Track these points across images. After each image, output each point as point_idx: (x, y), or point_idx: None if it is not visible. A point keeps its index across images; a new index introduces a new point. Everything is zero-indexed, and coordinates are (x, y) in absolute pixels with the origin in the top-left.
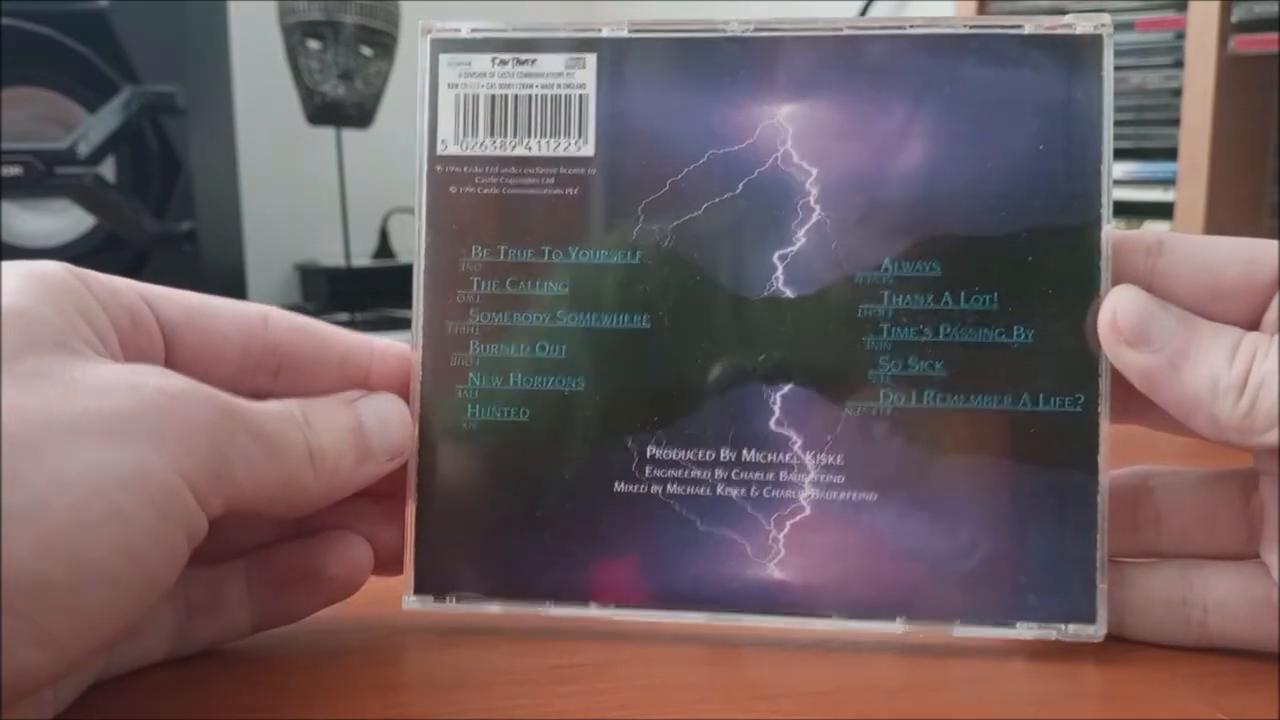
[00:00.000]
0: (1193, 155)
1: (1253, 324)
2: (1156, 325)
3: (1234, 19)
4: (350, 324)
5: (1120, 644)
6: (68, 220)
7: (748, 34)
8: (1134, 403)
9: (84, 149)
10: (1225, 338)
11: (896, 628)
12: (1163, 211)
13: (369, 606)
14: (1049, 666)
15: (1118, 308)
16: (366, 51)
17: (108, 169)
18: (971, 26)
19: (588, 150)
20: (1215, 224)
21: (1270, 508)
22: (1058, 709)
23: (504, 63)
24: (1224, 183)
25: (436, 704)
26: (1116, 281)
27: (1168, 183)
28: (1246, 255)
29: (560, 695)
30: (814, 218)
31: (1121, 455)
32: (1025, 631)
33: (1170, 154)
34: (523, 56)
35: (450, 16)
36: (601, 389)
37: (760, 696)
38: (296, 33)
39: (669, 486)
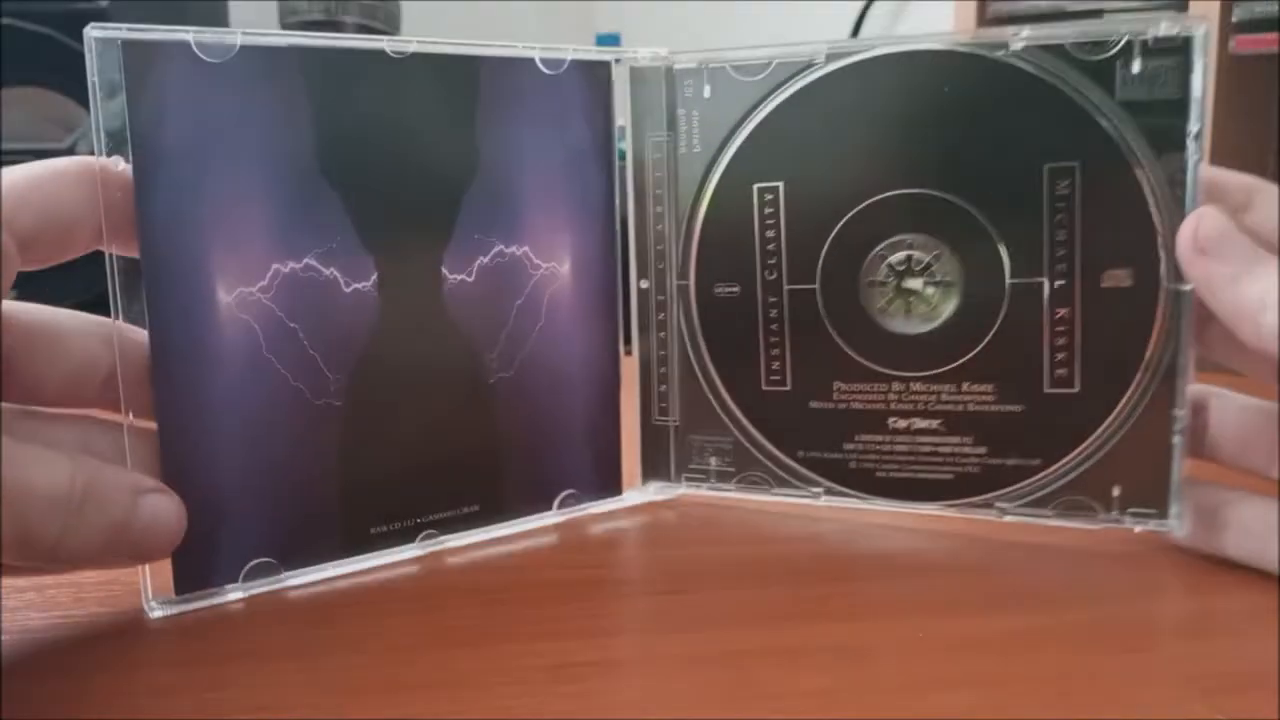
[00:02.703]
0: None
1: None
2: (1230, 242)
3: (1234, 19)
4: None
5: (1121, 643)
6: None
7: None
8: (1204, 338)
9: (84, 149)
10: None
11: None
12: None
13: (366, 606)
14: (1049, 665)
15: (1201, 222)
16: None
17: None
18: None
19: None
20: None
21: None
22: (1057, 709)
23: None
24: None
25: (437, 704)
26: None
27: None
28: None
29: (560, 695)
30: None
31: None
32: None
33: None
34: None
35: (450, 18)
36: None
37: (760, 696)
38: None
39: None
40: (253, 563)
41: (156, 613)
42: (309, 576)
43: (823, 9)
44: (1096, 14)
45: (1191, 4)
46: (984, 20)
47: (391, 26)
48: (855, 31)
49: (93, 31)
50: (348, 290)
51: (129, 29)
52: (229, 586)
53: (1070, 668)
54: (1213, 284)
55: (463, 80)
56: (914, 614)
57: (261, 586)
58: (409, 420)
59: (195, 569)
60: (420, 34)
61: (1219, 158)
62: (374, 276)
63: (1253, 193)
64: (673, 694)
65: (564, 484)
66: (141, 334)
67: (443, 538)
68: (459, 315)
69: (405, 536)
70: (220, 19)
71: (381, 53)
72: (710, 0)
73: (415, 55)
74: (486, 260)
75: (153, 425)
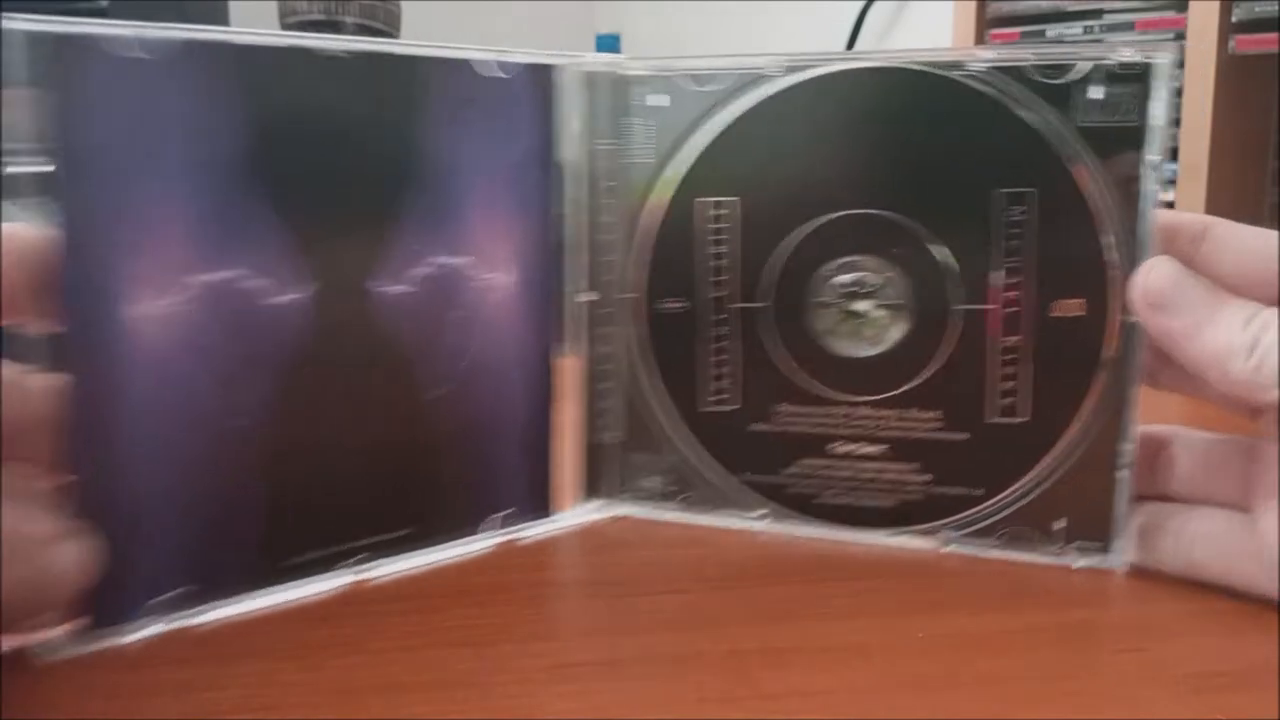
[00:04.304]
0: (1192, 155)
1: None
2: (1184, 295)
3: (1234, 19)
4: None
5: (1122, 642)
6: None
7: None
8: (1166, 372)
9: None
10: (1244, 309)
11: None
12: None
13: (366, 607)
14: (1048, 665)
15: (1150, 278)
16: None
17: None
18: None
19: None
20: None
21: (1270, 468)
22: (1057, 709)
23: None
24: (1223, 183)
25: (437, 704)
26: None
27: (1168, 183)
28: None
29: (560, 695)
30: None
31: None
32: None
33: (1170, 154)
34: None
35: (450, 18)
36: None
37: (760, 696)
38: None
39: None
40: (171, 594)
41: (51, 656)
42: (232, 609)
43: (823, 9)
44: (1096, 14)
45: (1191, 4)
46: (984, 21)
47: (392, 27)
48: (855, 31)
49: (5, 22)
50: (276, 301)
51: (47, 21)
52: (145, 620)
53: (1070, 667)
54: (1173, 339)
55: (405, 82)
56: (910, 614)
57: (181, 620)
58: (339, 440)
59: (109, 601)
60: (420, 34)
61: (1219, 157)
62: (305, 287)
63: (1207, 226)
64: (673, 694)
65: (502, 503)
66: (49, 381)
67: (374, 563)
68: (395, 328)
69: (334, 562)
70: (220, 18)
71: (319, 51)
72: (710, 0)
73: (355, 55)
74: (426, 270)
75: (64, 477)
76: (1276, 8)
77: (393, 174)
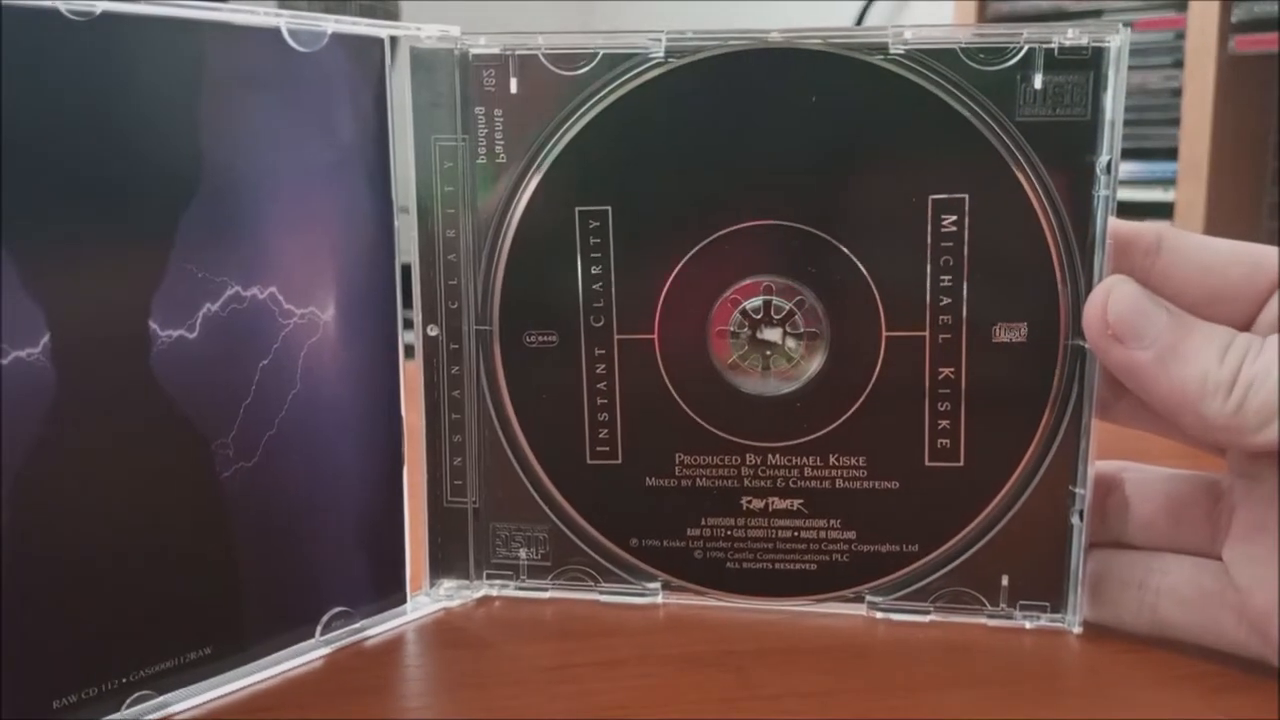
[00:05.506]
0: (1192, 155)
1: (1245, 327)
2: (1147, 321)
3: (1234, 19)
4: None
5: (1120, 643)
6: None
7: None
8: (1122, 403)
9: None
10: (1217, 336)
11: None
12: (1163, 212)
13: None
14: (1047, 666)
15: (1109, 302)
16: None
17: None
18: None
19: None
20: (1215, 224)
21: (1240, 510)
22: (1056, 709)
23: None
24: (1223, 183)
25: (436, 704)
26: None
27: (1167, 183)
28: (1248, 259)
29: (560, 695)
30: None
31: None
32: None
33: (1170, 154)
34: None
35: (450, 17)
36: None
37: (760, 696)
38: None
39: None
40: None
41: None
42: None
43: (824, 9)
44: (1096, 14)
45: (1191, 4)
46: (984, 20)
47: None
48: None
49: None
50: (3, 361)
51: None
52: None
53: (1070, 667)
54: (1137, 373)
55: (180, 57)
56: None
57: None
58: (105, 540)
59: None
60: None
61: (1219, 157)
62: (44, 339)
63: (1161, 236)
64: (673, 694)
65: (331, 600)
66: None
67: (163, 698)
68: (177, 387)
69: (107, 704)
70: None
71: (55, 13)
72: (712, 1)
73: (108, 18)
74: (216, 307)
75: None
76: (1276, 8)
77: (164, 178)
